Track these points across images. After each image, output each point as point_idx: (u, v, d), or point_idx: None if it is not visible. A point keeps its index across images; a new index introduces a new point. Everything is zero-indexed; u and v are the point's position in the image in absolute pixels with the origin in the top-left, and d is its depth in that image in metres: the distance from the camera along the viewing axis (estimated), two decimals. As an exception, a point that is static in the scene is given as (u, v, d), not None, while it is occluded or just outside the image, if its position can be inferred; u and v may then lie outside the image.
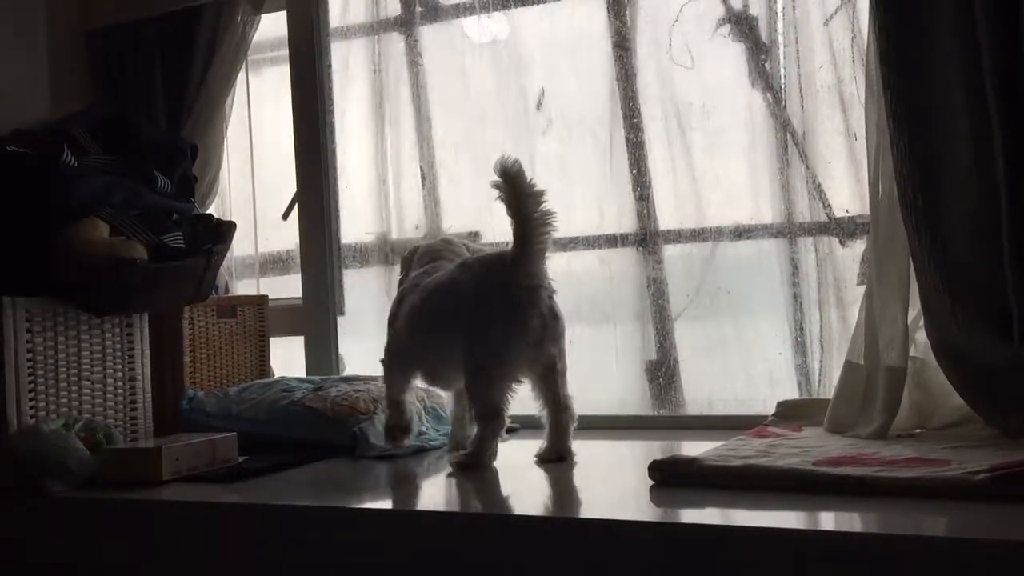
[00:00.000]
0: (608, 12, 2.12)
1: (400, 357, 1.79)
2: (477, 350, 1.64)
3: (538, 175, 2.11)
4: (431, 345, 1.74)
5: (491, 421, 1.64)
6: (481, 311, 1.64)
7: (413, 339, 1.76)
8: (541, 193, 1.60)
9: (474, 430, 1.67)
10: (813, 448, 1.52)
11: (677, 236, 2.08)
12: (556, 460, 1.68)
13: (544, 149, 2.18)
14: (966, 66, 1.54)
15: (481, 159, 2.22)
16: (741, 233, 2.03)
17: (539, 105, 2.19)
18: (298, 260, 2.44)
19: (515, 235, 1.62)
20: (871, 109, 1.70)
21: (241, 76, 2.44)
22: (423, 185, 2.30)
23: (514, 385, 1.65)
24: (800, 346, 1.98)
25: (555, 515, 1.39)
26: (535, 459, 1.70)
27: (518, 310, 1.62)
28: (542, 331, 1.64)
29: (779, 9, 1.99)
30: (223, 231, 2.11)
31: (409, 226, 2.33)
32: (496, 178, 1.61)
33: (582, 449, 1.72)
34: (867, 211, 1.76)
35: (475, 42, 2.25)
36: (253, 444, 1.87)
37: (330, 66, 2.41)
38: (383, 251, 2.35)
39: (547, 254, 1.64)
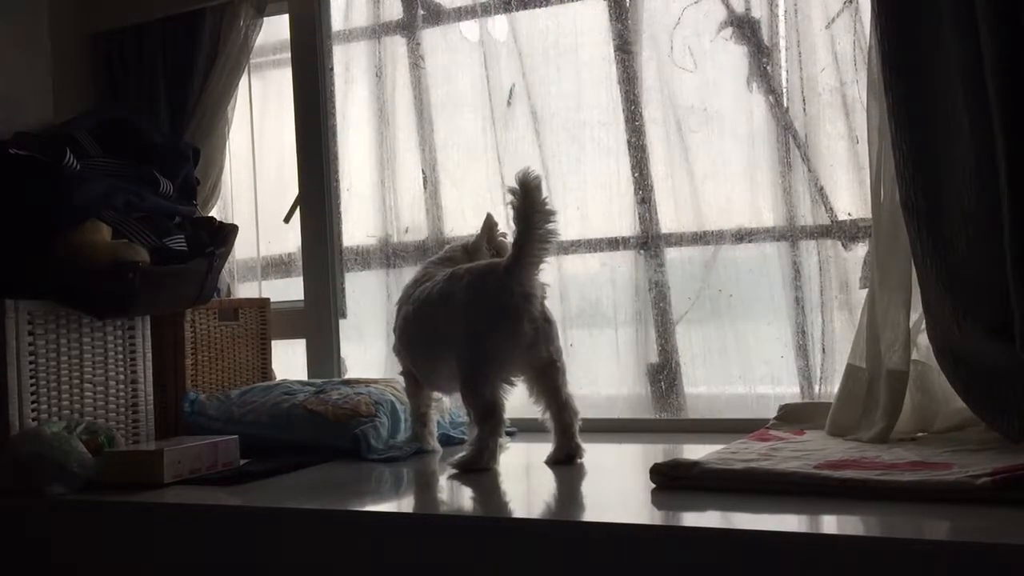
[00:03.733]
0: (610, 15, 2.12)
1: (407, 370, 1.86)
2: (470, 354, 1.68)
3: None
4: (425, 354, 1.80)
5: (488, 420, 1.65)
6: (473, 318, 1.68)
7: (409, 350, 1.83)
8: (551, 213, 1.65)
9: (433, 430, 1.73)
10: (815, 452, 1.52)
11: (679, 239, 2.08)
12: (566, 461, 1.69)
13: (545, 152, 2.18)
14: (967, 68, 1.54)
15: (482, 162, 2.23)
16: (743, 236, 2.03)
17: (509, 102, 2.19)
18: (300, 263, 2.44)
19: (515, 244, 1.66)
20: (873, 112, 1.70)
21: (243, 79, 2.45)
22: (425, 188, 2.30)
23: (507, 386, 1.68)
24: (802, 349, 1.98)
25: (556, 518, 1.39)
26: (545, 462, 1.70)
27: (510, 315, 1.66)
28: (534, 334, 1.67)
29: (781, 12, 1.99)
30: (225, 234, 2.11)
31: (412, 229, 2.33)
32: (514, 185, 1.64)
33: (584, 452, 1.72)
34: (869, 214, 1.76)
35: (476, 45, 2.25)
36: (255, 447, 1.87)
37: (332, 69, 2.41)
38: (385, 254, 2.35)
39: (540, 267, 1.67)
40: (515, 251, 1.67)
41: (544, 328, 1.69)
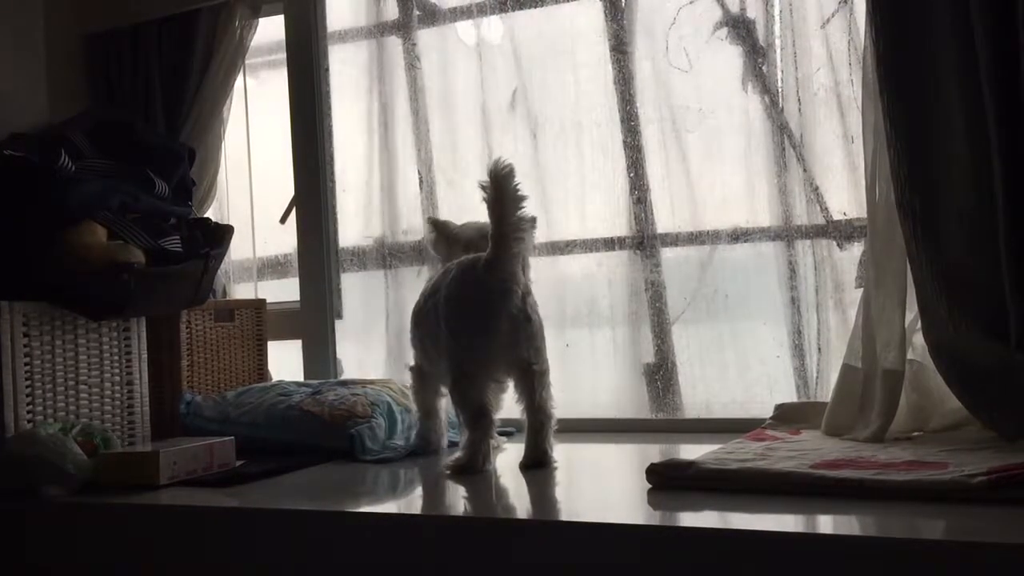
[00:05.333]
0: (605, 15, 2.12)
1: (417, 365, 1.84)
2: (455, 352, 1.66)
3: (534, 178, 2.14)
4: (424, 347, 1.79)
5: (478, 423, 1.64)
6: (456, 314, 1.67)
7: (413, 344, 1.83)
8: (522, 198, 1.61)
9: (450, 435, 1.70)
10: (811, 451, 1.52)
11: (675, 239, 2.08)
12: (535, 466, 1.64)
13: (541, 152, 2.18)
14: (963, 68, 1.54)
15: (478, 162, 2.23)
16: (739, 236, 2.03)
17: (512, 105, 2.19)
18: (296, 264, 2.44)
19: (491, 237, 1.63)
20: (868, 111, 1.70)
21: (239, 79, 2.44)
22: (421, 188, 2.30)
23: (495, 386, 1.65)
24: (798, 349, 1.98)
25: (551, 518, 1.39)
26: (519, 467, 1.67)
27: (488, 311, 1.63)
28: (514, 332, 1.63)
29: (776, 12, 2.00)
30: (221, 235, 2.10)
31: (408, 229, 2.33)
32: (485, 179, 1.61)
33: (579, 452, 1.72)
34: (864, 214, 1.76)
35: (472, 45, 2.25)
36: (251, 448, 1.87)
37: (328, 69, 2.41)
38: (381, 254, 2.35)
39: (520, 257, 1.65)
40: (492, 244, 1.63)
41: (524, 326, 1.64)
